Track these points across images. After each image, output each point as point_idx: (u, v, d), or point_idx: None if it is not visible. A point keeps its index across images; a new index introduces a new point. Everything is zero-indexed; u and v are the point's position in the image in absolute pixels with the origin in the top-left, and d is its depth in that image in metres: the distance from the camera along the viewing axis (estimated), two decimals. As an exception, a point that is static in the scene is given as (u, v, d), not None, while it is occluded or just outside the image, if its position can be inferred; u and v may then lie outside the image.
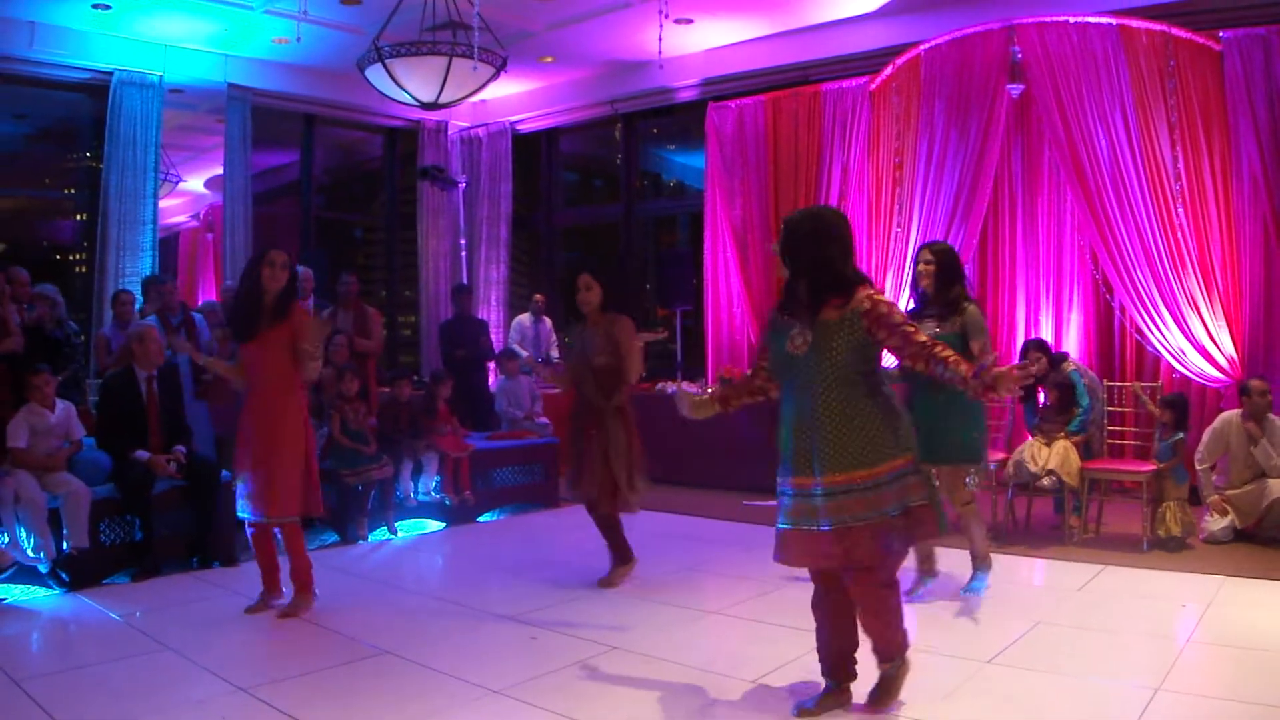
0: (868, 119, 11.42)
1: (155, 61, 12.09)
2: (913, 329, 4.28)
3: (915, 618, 6.07)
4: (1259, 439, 7.90)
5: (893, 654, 4.51)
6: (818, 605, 4.62)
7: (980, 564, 6.54)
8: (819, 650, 4.64)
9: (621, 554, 7.01)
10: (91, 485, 7.11)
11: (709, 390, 5.14)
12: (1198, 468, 7.99)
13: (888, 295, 10.79)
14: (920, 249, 6.73)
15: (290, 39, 11.81)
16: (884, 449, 4.29)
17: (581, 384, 6.83)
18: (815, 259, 4.36)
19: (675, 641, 5.51)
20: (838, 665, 4.59)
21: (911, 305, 6.72)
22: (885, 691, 4.50)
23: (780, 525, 4.51)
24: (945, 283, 6.44)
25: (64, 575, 6.92)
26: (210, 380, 9.71)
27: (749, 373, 4.86)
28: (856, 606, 4.47)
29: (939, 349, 4.24)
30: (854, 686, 4.58)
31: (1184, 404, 8.19)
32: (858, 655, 4.57)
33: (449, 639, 5.81)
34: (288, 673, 5.17)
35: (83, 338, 10.15)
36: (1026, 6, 10.32)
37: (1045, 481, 8.02)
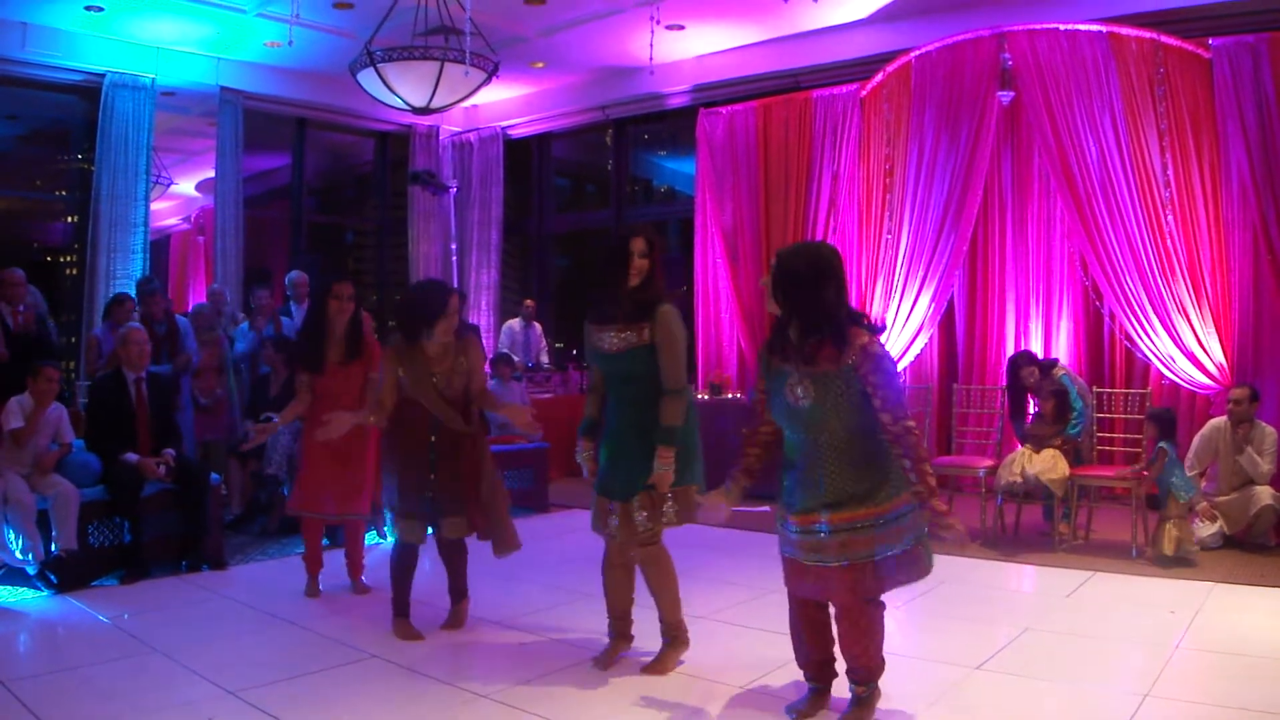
0: (858, 126, 11.43)
1: (148, 64, 12.10)
2: (893, 394, 4.17)
3: (904, 623, 6.10)
4: (1245, 448, 7.93)
5: (869, 677, 4.45)
6: (794, 619, 4.62)
7: (670, 633, 5.37)
8: (798, 659, 4.67)
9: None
10: (81, 487, 7.11)
11: (730, 482, 4.66)
12: (1187, 474, 7.99)
13: (878, 304, 10.99)
14: (631, 239, 5.02)
15: (282, 42, 11.79)
16: (890, 487, 4.25)
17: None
18: (810, 300, 4.21)
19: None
20: (820, 670, 4.62)
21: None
22: (856, 715, 4.45)
23: (789, 554, 4.43)
24: (647, 278, 5.00)
25: (52, 577, 6.90)
26: (223, 396, 9.81)
27: (757, 427, 4.60)
28: (840, 624, 4.42)
29: (910, 430, 4.17)
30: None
31: (1168, 417, 8.08)
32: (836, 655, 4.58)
33: (436, 643, 5.81)
34: (275, 676, 5.16)
35: (74, 339, 10.17)
36: (1017, 14, 10.35)
37: (1028, 483, 8.01)
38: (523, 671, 5.24)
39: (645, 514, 4.99)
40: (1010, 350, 10.27)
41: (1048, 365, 8.91)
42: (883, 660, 4.47)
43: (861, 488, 4.22)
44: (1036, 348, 10.19)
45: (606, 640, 5.42)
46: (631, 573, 5.30)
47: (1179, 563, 7.48)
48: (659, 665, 5.25)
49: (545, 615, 6.30)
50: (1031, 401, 8.75)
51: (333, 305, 6.66)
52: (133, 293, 10.61)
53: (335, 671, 5.28)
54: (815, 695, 4.61)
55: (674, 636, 5.31)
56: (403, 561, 6.01)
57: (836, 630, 4.47)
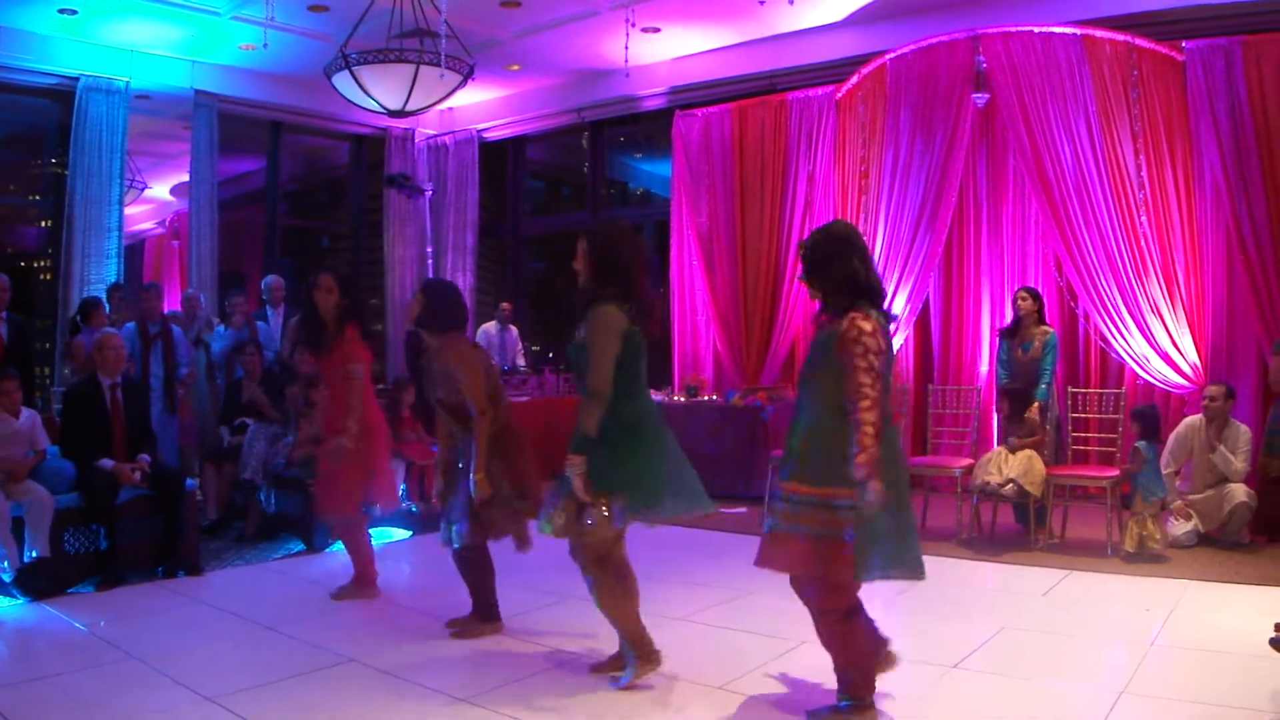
0: (834, 128, 11.47)
1: (122, 67, 12.03)
2: (864, 365, 4.16)
3: (881, 622, 6.10)
4: (1217, 446, 7.98)
5: (848, 689, 4.45)
6: None
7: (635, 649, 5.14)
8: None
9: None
10: (55, 494, 7.06)
11: None
12: (1163, 472, 8.02)
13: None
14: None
15: (257, 45, 11.77)
16: (836, 472, 4.21)
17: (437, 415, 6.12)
18: (829, 272, 4.38)
19: (642, 648, 5.50)
20: None
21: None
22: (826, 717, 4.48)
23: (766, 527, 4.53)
24: (601, 275, 5.09)
25: (33, 583, 6.86)
26: (184, 396, 9.76)
27: None
28: (815, 624, 4.46)
29: (863, 410, 4.13)
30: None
31: (1152, 415, 8.12)
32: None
33: (414, 646, 5.80)
34: (253, 681, 5.14)
35: (48, 345, 10.13)
36: (991, 16, 10.40)
37: (1007, 490, 8.03)
38: (502, 675, 5.23)
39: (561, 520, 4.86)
40: (986, 352, 10.31)
41: (1040, 308, 8.94)
42: (865, 679, 4.46)
43: (816, 464, 4.28)
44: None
45: (589, 644, 5.38)
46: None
47: (1146, 560, 7.53)
48: (615, 664, 5.22)
49: (526, 618, 6.29)
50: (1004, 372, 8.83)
51: (315, 294, 6.76)
52: (104, 296, 10.60)
53: (313, 676, 5.27)
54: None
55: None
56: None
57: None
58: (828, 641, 4.44)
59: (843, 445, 4.17)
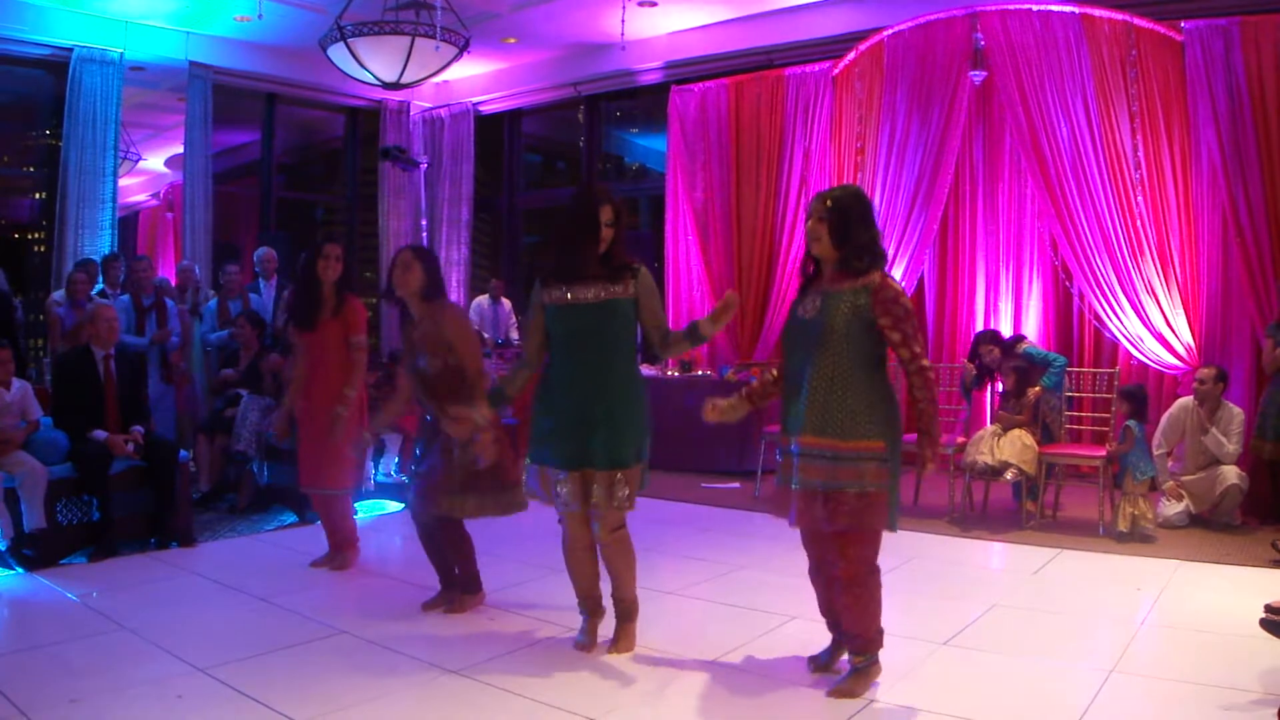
0: (830, 104, 11.44)
1: (116, 38, 11.98)
2: (911, 331, 4.36)
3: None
4: (1209, 428, 7.99)
5: (864, 647, 4.54)
6: (812, 574, 4.76)
7: (625, 609, 5.25)
8: (820, 610, 4.81)
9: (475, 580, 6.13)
10: (49, 465, 7.05)
11: (740, 392, 5.00)
12: (1155, 453, 8.03)
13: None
14: (599, 207, 4.93)
15: (252, 17, 11.70)
16: (861, 426, 4.32)
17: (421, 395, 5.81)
18: (856, 232, 4.41)
19: (633, 622, 5.51)
20: (834, 624, 4.77)
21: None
22: (851, 684, 4.52)
23: (776, 482, 4.70)
24: (613, 246, 4.96)
25: (27, 552, 6.85)
26: (186, 370, 9.74)
27: (775, 371, 4.81)
28: (837, 586, 4.53)
29: (925, 370, 4.39)
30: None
31: (1140, 395, 8.15)
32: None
33: (406, 619, 5.79)
34: (245, 652, 5.14)
35: (42, 317, 10.11)
36: (990, -7, 10.37)
37: (1009, 475, 8.00)
38: (494, 647, 5.23)
39: (628, 490, 4.88)
40: (980, 329, 10.31)
41: (1010, 345, 8.91)
42: (880, 634, 4.59)
43: (834, 419, 4.33)
44: (1006, 327, 10.22)
45: (580, 618, 5.35)
46: (595, 551, 5.16)
47: (1137, 539, 7.55)
48: (625, 643, 5.16)
49: (516, 591, 6.29)
50: (999, 379, 8.78)
51: (320, 265, 6.70)
52: (100, 267, 10.59)
53: (305, 647, 5.27)
54: (836, 647, 4.79)
55: (632, 612, 5.23)
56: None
57: (837, 592, 4.57)
58: (851, 601, 4.49)
59: (870, 399, 4.35)
